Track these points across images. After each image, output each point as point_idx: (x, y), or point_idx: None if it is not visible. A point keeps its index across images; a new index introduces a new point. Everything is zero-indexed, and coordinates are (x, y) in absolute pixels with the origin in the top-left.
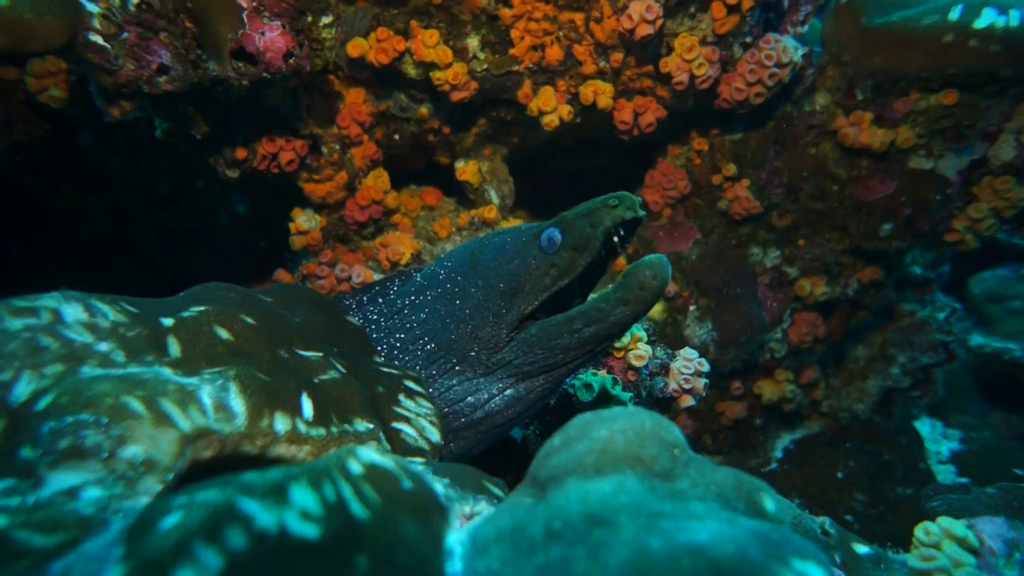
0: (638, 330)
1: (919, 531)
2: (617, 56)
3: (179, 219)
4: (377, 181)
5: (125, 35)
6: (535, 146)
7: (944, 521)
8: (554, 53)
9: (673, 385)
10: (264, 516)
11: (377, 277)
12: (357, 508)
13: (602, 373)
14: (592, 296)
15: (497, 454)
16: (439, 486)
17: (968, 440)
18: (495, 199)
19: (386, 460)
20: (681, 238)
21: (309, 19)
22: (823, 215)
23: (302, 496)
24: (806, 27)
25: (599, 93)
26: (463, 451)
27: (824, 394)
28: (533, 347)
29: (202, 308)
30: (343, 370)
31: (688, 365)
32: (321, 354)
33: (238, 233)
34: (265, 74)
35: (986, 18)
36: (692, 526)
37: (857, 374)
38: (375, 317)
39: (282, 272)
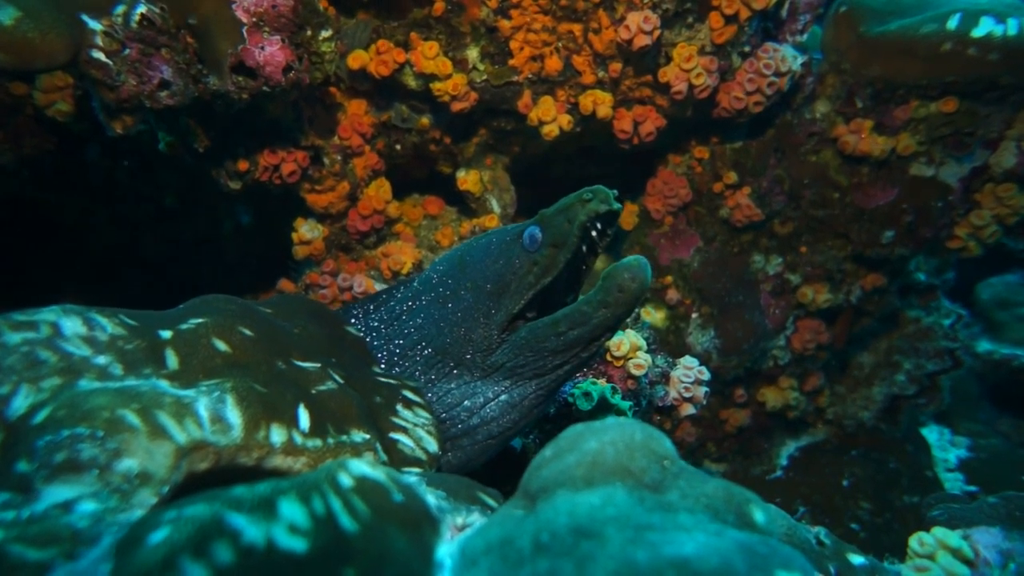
0: (638, 339)
1: (913, 541)
2: (616, 66)
3: (185, 230)
4: (379, 191)
5: (127, 51)
6: (536, 155)
7: (939, 531)
8: (553, 64)
9: (673, 394)
10: (252, 530)
11: (379, 286)
12: (346, 521)
13: (602, 382)
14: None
15: (497, 463)
16: (432, 497)
17: (977, 447)
18: (496, 208)
19: (377, 473)
20: (683, 246)
21: (308, 33)
22: (825, 222)
23: (290, 510)
24: (805, 36)
25: (598, 103)
26: (461, 463)
27: (829, 401)
28: (523, 349)
29: (200, 320)
30: (341, 381)
31: (688, 373)
32: (319, 365)
33: (244, 243)
34: (265, 88)
35: (984, 27)
36: (679, 538)
37: (862, 381)
38: (376, 324)
39: (285, 282)
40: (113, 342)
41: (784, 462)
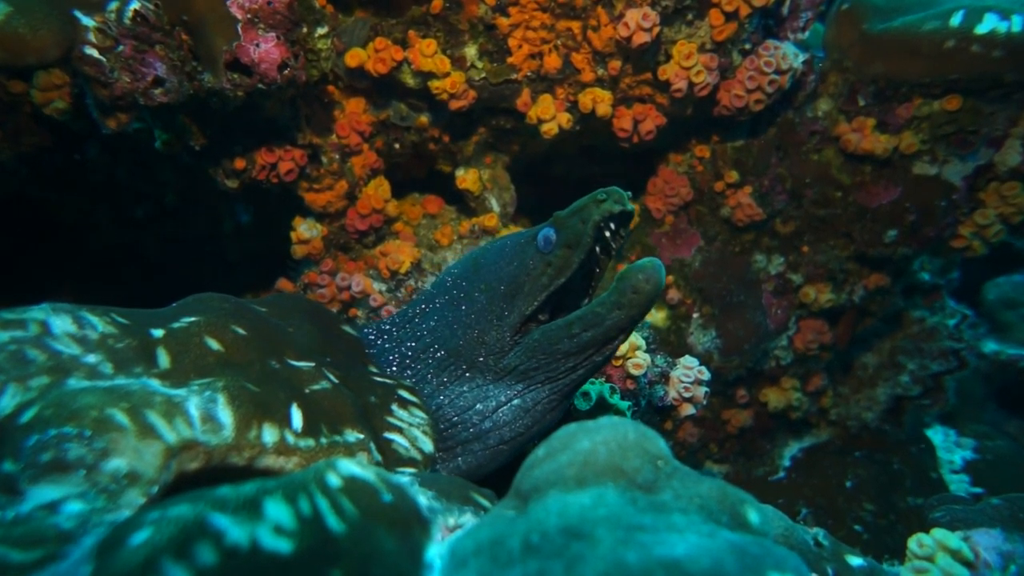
0: (636, 338)
1: (912, 543)
2: (615, 64)
3: (185, 229)
4: (378, 190)
5: (121, 48)
6: (536, 154)
7: (938, 533)
8: (552, 61)
9: (673, 394)
10: (235, 531)
11: (377, 286)
12: (333, 522)
13: (600, 381)
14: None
15: (511, 468)
16: (423, 498)
17: (983, 449)
18: (496, 207)
19: (366, 473)
20: (684, 245)
21: (304, 30)
22: (827, 222)
23: (276, 510)
24: (807, 33)
25: (598, 101)
26: (472, 467)
27: (832, 402)
28: (536, 352)
29: (193, 319)
30: (335, 380)
31: (688, 373)
32: (313, 364)
33: (244, 242)
34: (260, 85)
35: (988, 23)
36: (671, 539)
37: (866, 382)
38: (387, 327)
39: (284, 281)
40: (103, 341)
41: (787, 463)
